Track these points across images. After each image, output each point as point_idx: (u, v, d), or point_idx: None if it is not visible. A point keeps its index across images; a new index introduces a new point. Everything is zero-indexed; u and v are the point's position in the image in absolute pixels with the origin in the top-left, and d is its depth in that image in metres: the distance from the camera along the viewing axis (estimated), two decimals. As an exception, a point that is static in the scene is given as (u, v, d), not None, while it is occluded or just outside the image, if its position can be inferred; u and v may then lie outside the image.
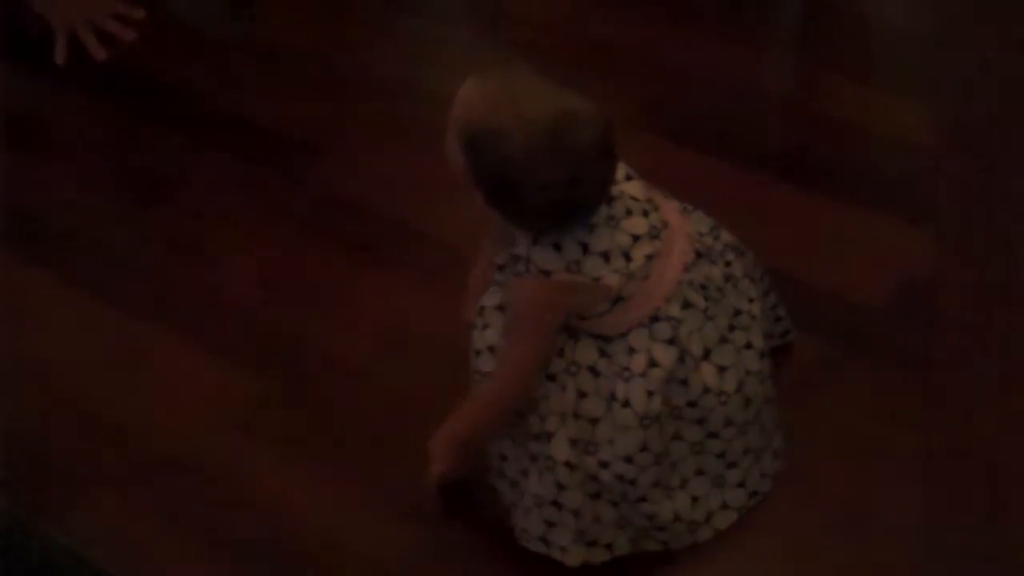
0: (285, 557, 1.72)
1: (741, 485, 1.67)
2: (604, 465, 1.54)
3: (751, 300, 1.64)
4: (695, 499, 1.64)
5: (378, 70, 2.47)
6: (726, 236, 1.67)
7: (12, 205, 2.25)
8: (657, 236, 1.51)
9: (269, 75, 2.46)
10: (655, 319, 1.52)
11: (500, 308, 1.61)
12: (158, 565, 1.73)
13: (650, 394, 1.51)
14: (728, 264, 1.63)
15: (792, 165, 2.15)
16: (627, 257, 1.48)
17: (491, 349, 1.62)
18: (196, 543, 1.75)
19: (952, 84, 2.22)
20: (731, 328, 1.58)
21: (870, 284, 1.95)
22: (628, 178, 1.53)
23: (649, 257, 1.50)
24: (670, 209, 1.58)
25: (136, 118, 2.41)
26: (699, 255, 1.58)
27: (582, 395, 1.53)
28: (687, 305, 1.53)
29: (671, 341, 1.52)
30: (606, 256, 1.47)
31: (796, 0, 2.56)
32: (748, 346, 1.60)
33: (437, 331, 1.95)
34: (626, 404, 1.51)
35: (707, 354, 1.55)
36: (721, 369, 1.56)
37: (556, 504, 1.58)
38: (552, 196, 1.41)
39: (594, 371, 1.53)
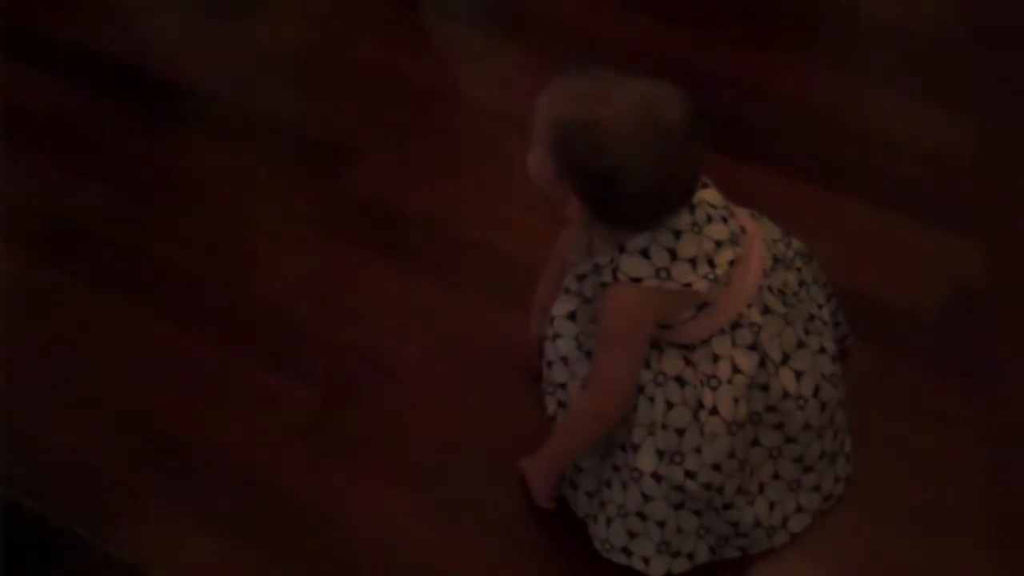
0: (346, 565, 1.71)
1: (816, 489, 1.67)
2: (691, 475, 1.54)
3: (820, 305, 1.65)
4: (772, 504, 1.64)
5: (412, 75, 2.47)
6: (796, 243, 1.67)
7: (46, 217, 2.23)
8: (737, 242, 1.51)
9: (304, 80, 2.45)
10: (736, 325, 1.52)
11: (571, 317, 1.61)
12: (214, 574, 1.71)
13: (737, 401, 1.52)
14: (799, 270, 1.64)
15: (837, 175, 2.16)
16: (711, 263, 1.48)
17: (564, 360, 1.61)
18: (252, 553, 1.74)
19: (991, 92, 2.25)
20: (806, 332, 1.59)
21: (923, 293, 1.96)
22: (704, 185, 1.54)
23: (731, 263, 1.50)
24: (744, 216, 1.58)
25: (171, 123, 2.39)
26: (776, 260, 1.59)
27: (669, 406, 1.53)
28: (767, 310, 1.54)
29: (752, 347, 1.53)
30: (693, 262, 1.47)
31: (835, 12, 2.57)
32: (822, 350, 1.60)
33: (490, 338, 1.95)
34: (714, 411, 1.51)
35: (786, 359, 1.56)
36: (799, 374, 1.56)
37: (641, 515, 1.57)
38: (647, 182, 1.40)
39: (680, 381, 1.53)
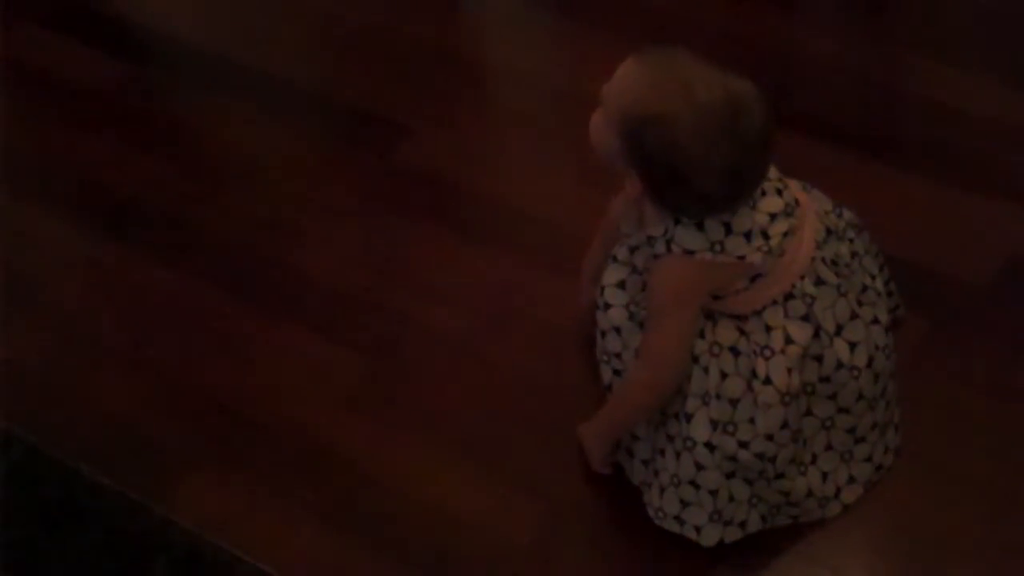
0: (401, 533, 1.73)
1: (868, 459, 1.68)
2: (743, 445, 1.54)
3: (873, 276, 1.65)
4: (825, 474, 1.65)
5: (460, 49, 2.47)
6: (848, 214, 1.67)
7: (103, 191, 2.25)
8: (791, 214, 1.51)
9: (352, 55, 2.46)
10: (789, 296, 1.52)
11: (621, 286, 1.62)
12: (270, 540, 1.74)
13: (790, 371, 1.52)
14: (851, 241, 1.64)
15: (887, 145, 2.15)
16: (765, 235, 1.48)
17: (617, 330, 1.62)
18: (305, 517, 1.76)
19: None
20: (859, 303, 1.59)
21: (975, 262, 1.95)
22: None
23: (785, 235, 1.50)
24: (796, 187, 1.58)
25: (220, 97, 2.41)
26: (828, 232, 1.58)
27: (724, 376, 1.53)
28: (820, 282, 1.54)
29: (805, 318, 1.53)
30: (748, 236, 1.47)
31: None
32: (875, 321, 1.60)
33: (539, 307, 1.96)
34: (767, 382, 1.52)
35: (839, 330, 1.56)
36: (852, 345, 1.56)
37: (694, 484, 1.58)
38: (717, 184, 1.39)
39: (735, 351, 1.53)
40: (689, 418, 1.55)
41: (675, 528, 1.63)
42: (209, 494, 1.80)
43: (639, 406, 1.61)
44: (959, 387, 1.81)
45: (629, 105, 1.39)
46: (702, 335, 1.54)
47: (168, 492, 1.79)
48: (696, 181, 1.38)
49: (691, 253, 1.46)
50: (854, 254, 1.62)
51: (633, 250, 1.60)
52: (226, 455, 1.84)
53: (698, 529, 1.62)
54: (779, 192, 1.51)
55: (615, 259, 1.64)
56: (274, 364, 1.95)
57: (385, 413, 1.87)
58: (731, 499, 1.60)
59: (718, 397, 1.54)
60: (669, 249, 1.47)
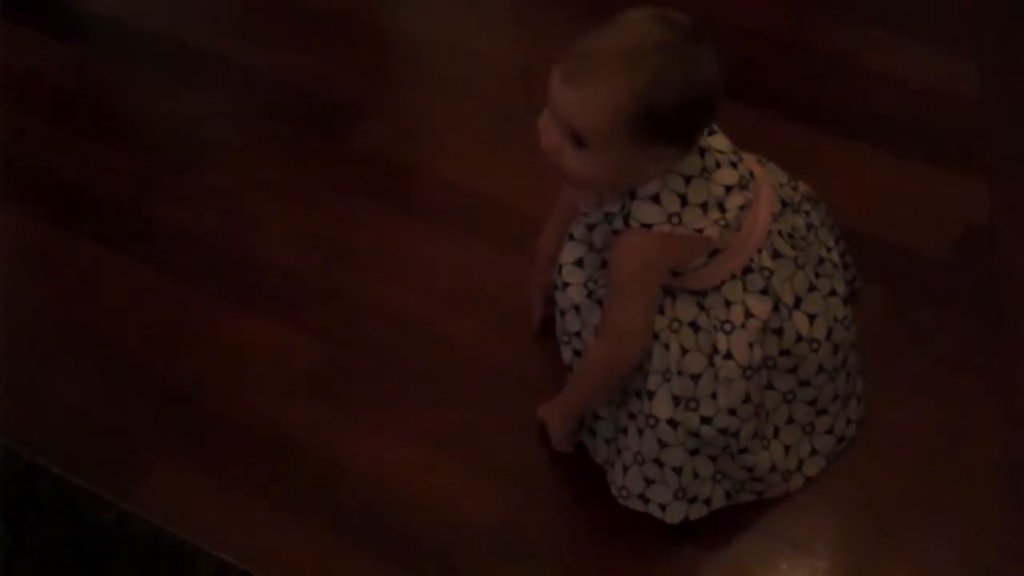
0: (363, 518, 1.73)
1: (830, 431, 1.69)
2: (706, 420, 1.55)
3: (829, 248, 1.65)
4: (787, 448, 1.65)
5: (414, 30, 2.45)
6: (803, 187, 1.67)
7: (58, 178, 2.22)
8: (747, 187, 1.51)
9: (308, 36, 2.43)
10: (748, 270, 1.52)
11: (579, 264, 1.61)
12: (233, 530, 1.73)
13: (751, 345, 1.52)
14: (807, 213, 1.64)
15: (844, 119, 2.14)
16: (722, 208, 1.48)
17: (576, 308, 1.61)
18: (268, 506, 1.75)
19: (993, 34, 2.24)
20: (817, 276, 1.59)
21: (931, 234, 1.96)
22: (711, 132, 1.53)
23: (741, 208, 1.50)
24: (751, 160, 1.58)
25: (173, 81, 2.38)
26: (784, 205, 1.58)
27: (684, 352, 1.53)
28: (777, 255, 1.54)
29: (764, 291, 1.53)
30: (704, 207, 1.47)
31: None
32: (832, 293, 1.61)
33: (498, 288, 1.95)
34: (728, 356, 1.52)
35: (798, 302, 1.56)
36: (811, 317, 1.57)
37: (657, 462, 1.58)
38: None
39: (695, 326, 1.53)
40: (651, 396, 1.55)
41: (639, 507, 1.63)
42: (169, 485, 1.78)
43: (600, 384, 1.60)
44: (918, 358, 1.82)
45: (613, 109, 1.37)
46: (661, 311, 1.54)
47: (128, 484, 1.78)
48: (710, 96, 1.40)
49: (648, 227, 1.46)
50: (810, 227, 1.63)
51: (591, 228, 1.59)
52: (185, 445, 1.83)
53: (663, 507, 1.62)
54: (733, 165, 1.51)
55: (572, 237, 1.63)
56: (231, 351, 1.93)
57: (345, 397, 1.86)
58: (695, 476, 1.60)
59: (679, 373, 1.54)
60: (627, 224, 1.47)
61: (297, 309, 1.97)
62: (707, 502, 1.63)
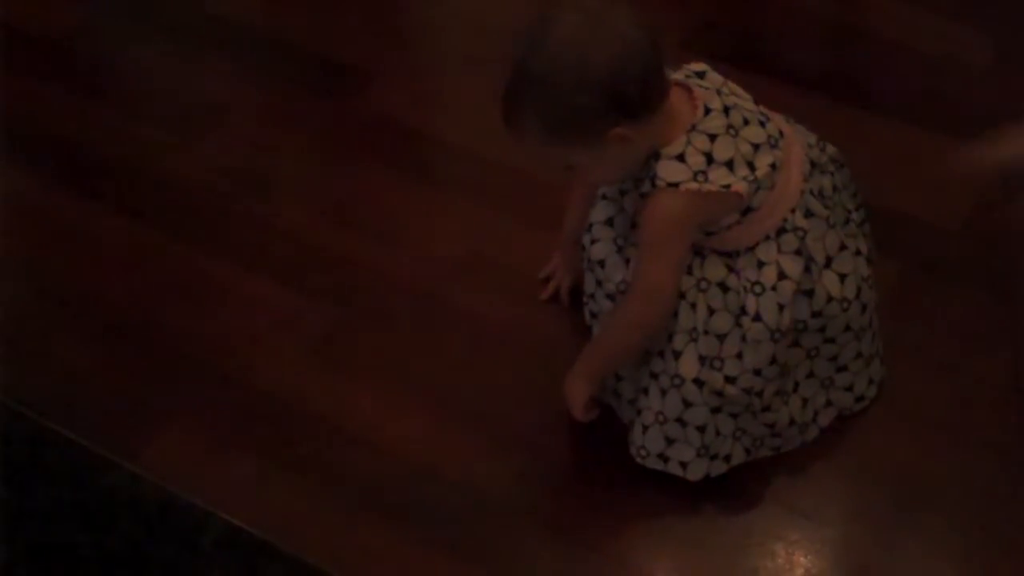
0: (373, 485, 1.71)
1: (849, 389, 1.69)
2: (731, 380, 1.54)
3: (850, 211, 1.66)
4: (804, 400, 1.65)
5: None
6: (831, 148, 1.67)
7: (64, 141, 2.19)
8: (776, 145, 1.51)
9: (314, 1, 2.41)
10: (782, 231, 1.52)
11: (609, 223, 1.61)
12: (240, 493, 1.71)
13: (781, 308, 1.52)
14: (832, 175, 1.64)
15: (852, 88, 2.15)
16: (751, 166, 1.48)
17: (601, 263, 1.61)
18: (276, 471, 1.73)
19: (1007, 3, 2.23)
20: (845, 235, 1.59)
21: (945, 206, 1.96)
22: (735, 94, 1.53)
23: (772, 166, 1.49)
24: (780, 120, 1.58)
25: (184, 47, 2.35)
26: (813, 165, 1.58)
27: (711, 311, 1.53)
28: (810, 214, 1.54)
29: (798, 252, 1.53)
30: (730, 165, 1.46)
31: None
32: (858, 252, 1.61)
33: (507, 254, 1.95)
34: (757, 318, 1.51)
35: (829, 262, 1.56)
36: (842, 276, 1.57)
37: (680, 421, 1.58)
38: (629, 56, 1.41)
39: (724, 287, 1.53)
40: (677, 355, 1.55)
41: (659, 466, 1.63)
42: (178, 448, 1.76)
43: (626, 343, 1.59)
44: (934, 333, 1.82)
45: (540, 126, 1.44)
46: (689, 271, 1.53)
47: (136, 447, 1.75)
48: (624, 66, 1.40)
49: (676, 185, 1.46)
50: (835, 188, 1.63)
51: (623, 193, 1.59)
52: (194, 408, 1.81)
53: (684, 465, 1.61)
54: (762, 123, 1.50)
55: (604, 197, 1.63)
56: (239, 314, 1.91)
57: (353, 363, 1.85)
58: (717, 433, 1.60)
59: (706, 333, 1.53)
60: (654, 185, 1.47)
61: (305, 273, 1.96)
62: (727, 459, 1.63)
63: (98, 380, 1.84)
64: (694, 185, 1.45)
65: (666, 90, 1.46)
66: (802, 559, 1.62)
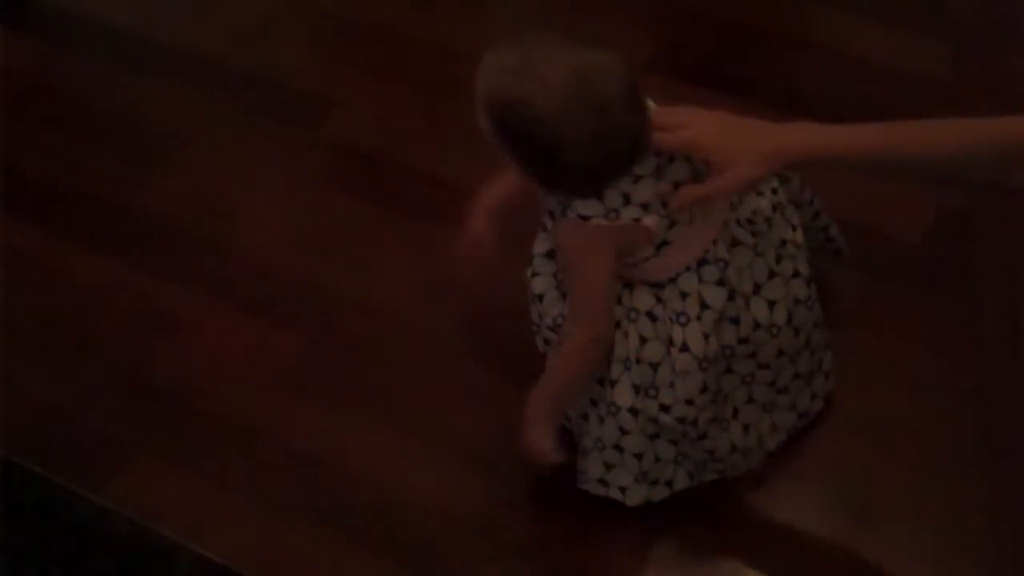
0: (345, 513, 1.73)
1: (792, 408, 1.69)
2: (665, 409, 1.55)
3: (794, 228, 1.63)
4: (747, 427, 1.65)
5: (387, 21, 2.44)
6: None
7: (35, 178, 2.21)
8: (700, 180, 1.49)
9: (276, 27, 2.42)
10: (703, 262, 1.52)
11: (549, 256, 1.61)
12: (211, 525, 1.73)
13: (707, 336, 1.52)
14: (775, 192, 1.62)
15: (816, 102, 2.14)
16: (664, 204, 1.46)
17: (540, 297, 1.62)
18: (248, 501, 1.75)
19: (967, 16, 2.24)
20: (778, 260, 1.58)
21: (907, 217, 1.95)
22: None
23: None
24: None
25: (144, 77, 2.37)
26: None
27: (643, 340, 1.53)
28: (735, 243, 1.53)
29: (720, 282, 1.52)
30: (645, 207, 1.45)
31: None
32: (795, 275, 1.60)
33: (477, 281, 1.93)
34: (684, 348, 1.52)
35: (757, 289, 1.56)
36: (771, 303, 1.56)
37: (618, 448, 1.59)
38: (585, 154, 1.38)
39: (652, 316, 1.53)
40: (613, 383, 1.55)
41: (600, 491, 1.64)
42: (148, 481, 1.78)
43: (572, 376, 1.58)
44: (897, 342, 1.82)
45: (487, 95, 1.40)
46: (620, 301, 1.54)
47: (106, 481, 1.78)
48: (565, 154, 1.37)
49: (585, 219, 1.45)
50: (776, 206, 1.60)
51: (552, 216, 1.58)
52: (163, 441, 1.83)
53: (623, 490, 1.62)
54: (688, 159, 1.49)
55: (545, 229, 1.63)
56: (209, 346, 1.93)
57: (324, 392, 1.86)
58: (656, 460, 1.61)
59: (638, 362, 1.54)
60: (565, 213, 1.46)
61: (272, 302, 1.97)
62: (669, 484, 1.64)
63: (65, 414, 1.87)
64: (604, 222, 1.45)
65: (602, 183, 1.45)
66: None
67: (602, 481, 1.63)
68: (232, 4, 2.51)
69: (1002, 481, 1.68)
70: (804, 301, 1.61)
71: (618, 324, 1.54)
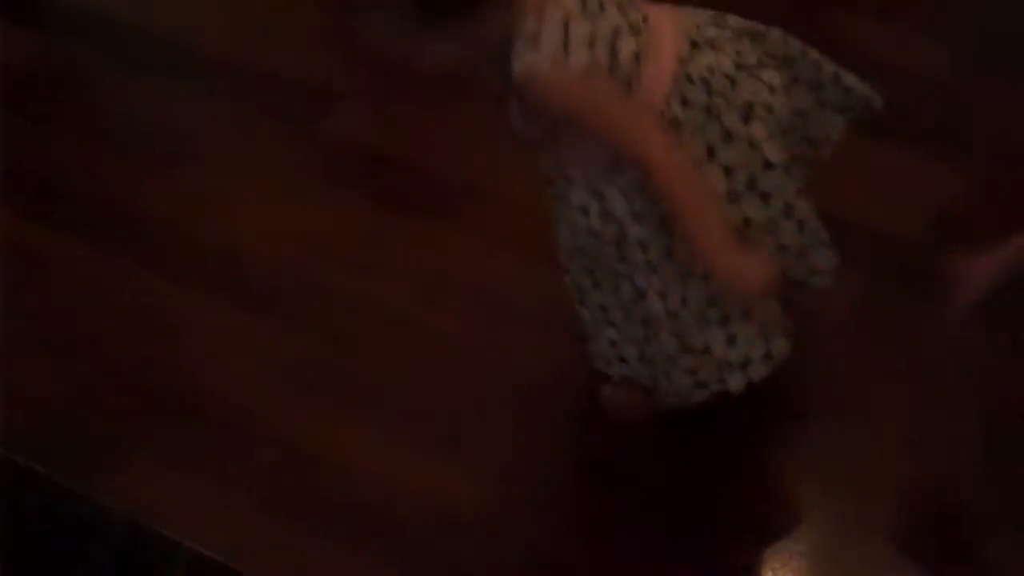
0: (346, 511, 1.72)
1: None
2: None
3: (772, 89, 1.52)
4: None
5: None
6: (734, 21, 1.54)
7: (36, 175, 2.20)
8: (638, 32, 1.41)
9: (276, 27, 2.42)
10: None
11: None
12: (210, 523, 1.72)
13: None
14: (738, 53, 1.51)
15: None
16: (613, 51, 1.39)
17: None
18: (248, 500, 1.75)
19: (966, 17, 2.24)
20: (746, 120, 1.48)
21: (906, 218, 1.96)
22: None
23: (636, 56, 1.40)
24: (647, 6, 1.47)
25: (143, 73, 2.36)
26: (695, 45, 1.47)
27: None
28: (685, 102, 1.45)
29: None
30: (591, 44, 1.37)
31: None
32: (770, 138, 1.50)
33: (479, 277, 1.95)
34: None
35: (711, 153, 1.48)
36: (727, 169, 1.48)
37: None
38: None
39: None
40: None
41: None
42: (147, 480, 1.78)
43: (698, 186, 1.46)
44: (898, 343, 1.82)
45: None
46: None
47: (104, 477, 1.77)
48: None
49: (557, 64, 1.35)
50: (740, 66, 1.50)
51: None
52: (163, 439, 1.83)
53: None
54: (620, 9, 1.41)
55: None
56: (209, 345, 1.93)
57: (325, 389, 1.86)
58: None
59: None
60: (537, 77, 1.36)
61: (274, 300, 1.97)
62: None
63: (64, 412, 1.86)
64: (560, 55, 1.36)
65: None
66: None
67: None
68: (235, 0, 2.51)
69: (1002, 485, 1.68)
70: (778, 166, 1.51)
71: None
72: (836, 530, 1.66)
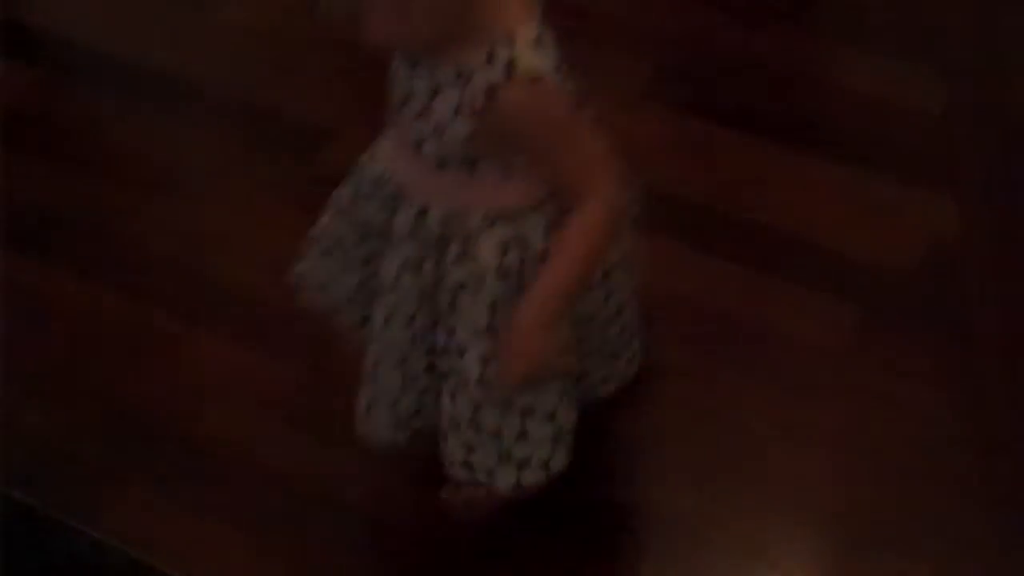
0: (338, 546, 1.72)
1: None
2: None
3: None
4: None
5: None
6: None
7: (24, 204, 2.20)
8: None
9: (272, 62, 2.43)
10: None
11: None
12: (208, 555, 1.73)
13: None
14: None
15: (809, 134, 2.15)
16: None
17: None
18: (247, 532, 1.75)
19: (958, 49, 2.25)
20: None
21: (899, 250, 1.96)
22: None
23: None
24: None
25: (135, 106, 2.37)
26: None
27: None
28: None
29: None
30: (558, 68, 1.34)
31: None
32: None
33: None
34: None
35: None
36: None
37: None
38: None
39: None
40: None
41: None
42: (142, 513, 1.78)
43: (607, 239, 1.37)
44: (886, 374, 1.83)
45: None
46: None
47: (100, 513, 1.77)
48: None
49: (538, 80, 1.27)
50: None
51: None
52: (156, 472, 1.82)
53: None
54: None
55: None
56: (202, 378, 1.93)
57: (316, 420, 1.85)
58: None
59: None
60: (509, 75, 1.26)
61: (265, 333, 1.97)
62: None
63: (57, 446, 1.86)
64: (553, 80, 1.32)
65: None
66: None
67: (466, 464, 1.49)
68: (232, 34, 2.52)
69: (1001, 515, 1.68)
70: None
71: None
72: (831, 564, 1.67)
